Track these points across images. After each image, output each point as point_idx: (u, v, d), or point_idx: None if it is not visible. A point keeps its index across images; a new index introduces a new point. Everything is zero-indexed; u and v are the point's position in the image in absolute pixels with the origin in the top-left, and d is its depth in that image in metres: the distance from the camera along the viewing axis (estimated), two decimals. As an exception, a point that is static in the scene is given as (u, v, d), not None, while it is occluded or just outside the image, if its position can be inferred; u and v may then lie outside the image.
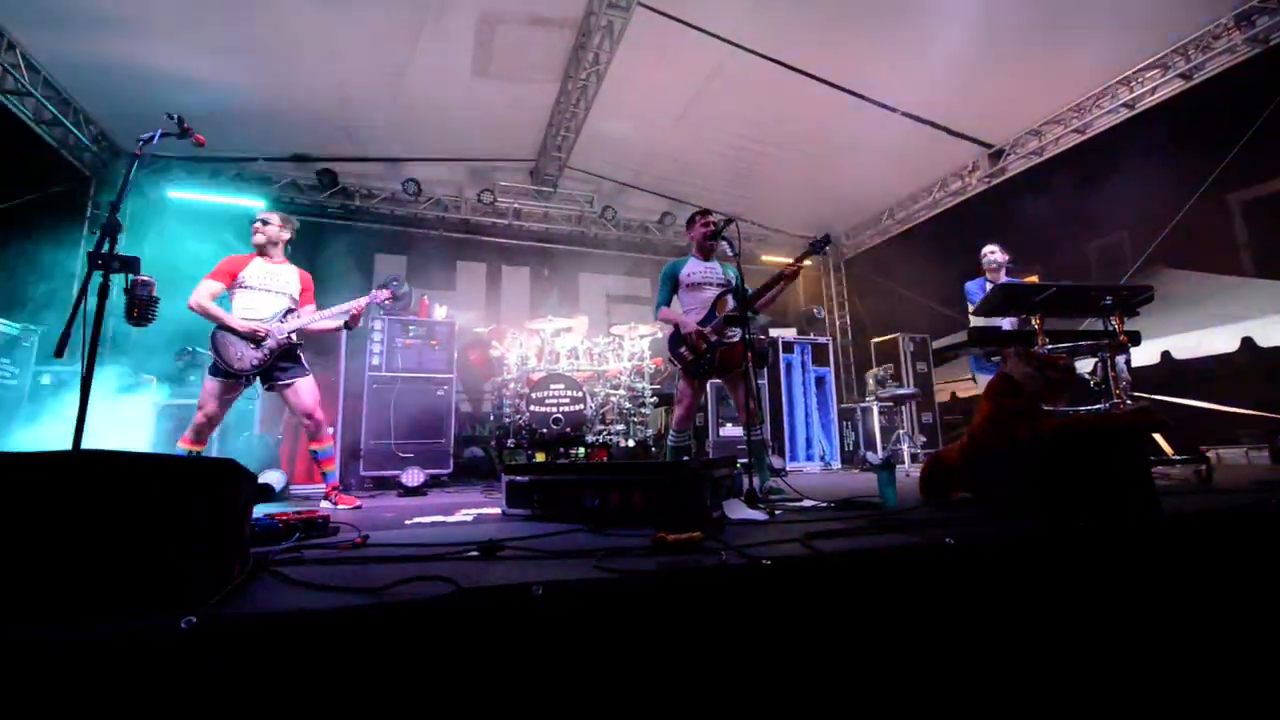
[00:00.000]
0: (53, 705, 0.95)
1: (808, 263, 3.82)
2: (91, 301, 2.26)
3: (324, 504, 3.60)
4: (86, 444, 2.30)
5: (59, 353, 2.22)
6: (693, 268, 3.84)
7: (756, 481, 2.99)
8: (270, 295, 3.66)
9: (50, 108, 5.62)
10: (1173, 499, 2.39)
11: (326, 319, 3.76)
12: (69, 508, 1.10)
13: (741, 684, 1.36)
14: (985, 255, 4.97)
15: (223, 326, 3.48)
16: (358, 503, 3.79)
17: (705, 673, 1.34)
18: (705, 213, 3.93)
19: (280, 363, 3.62)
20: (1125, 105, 6.16)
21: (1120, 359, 3.70)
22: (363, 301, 3.83)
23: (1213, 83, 5.66)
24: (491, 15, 5.33)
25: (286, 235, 3.82)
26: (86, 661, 0.98)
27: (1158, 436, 4.10)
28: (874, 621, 1.54)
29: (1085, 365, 4.44)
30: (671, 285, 3.86)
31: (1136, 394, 4.23)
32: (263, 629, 1.09)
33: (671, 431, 3.85)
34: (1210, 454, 4.13)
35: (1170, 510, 2.09)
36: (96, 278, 2.32)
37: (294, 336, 3.66)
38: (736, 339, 3.70)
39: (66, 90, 5.71)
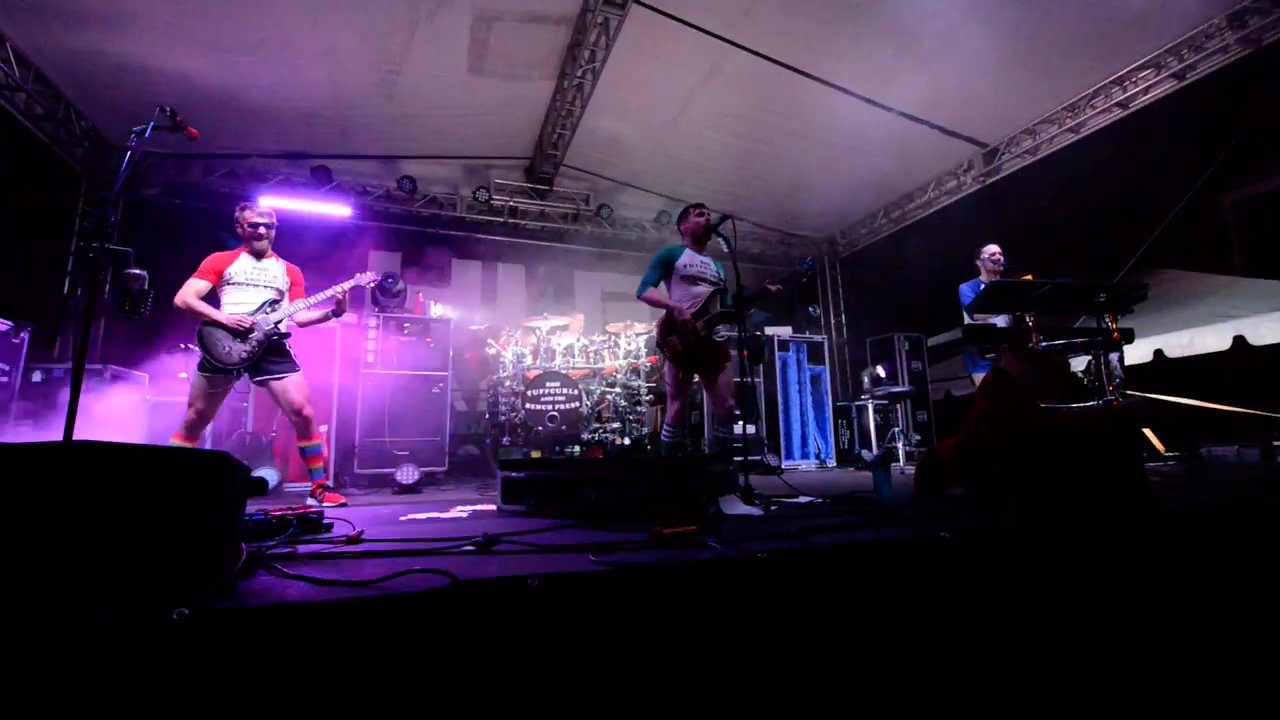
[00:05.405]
0: (44, 696, 0.94)
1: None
2: (84, 296, 2.24)
3: (310, 501, 3.59)
4: (78, 439, 2.28)
5: (49, 345, 2.21)
6: (690, 259, 3.77)
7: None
8: (257, 290, 3.65)
9: (41, 103, 5.57)
10: (1165, 494, 2.41)
11: (312, 308, 3.74)
12: (61, 498, 1.09)
13: (737, 675, 1.36)
14: (986, 255, 4.95)
15: (209, 322, 3.46)
16: (342, 500, 3.78)
17: (701, 664, 1.34)
18: (699, 206, 3.92)
19: (269, 356, 3.60)
20: (1119, 105, 6.19)
21: (1113, 356, 3.71)
22: (347, 285, 3.79)
23: (1205, 82, 5.69)
24: (487, 12, 5.30)
25: (273, 233, 3.80)
26: (78, 652, 0.97)
27: (1149, 433, 4.13)
28: (869, 614, 1.54)
29: (1079, 363, 4.46)
30: (663, 270, 3.77)
31: (1129, 391, 4.26)
32: (256, 621, 1.09)
33: (666, 427, 3.80)
34: (1203, 451, 4.16)
35: (1166, 505, 2.11)
36: (88, 272, 2.31)
37: (281, 327, 3.64)
38: (724, 339, 3.69)
39: (58, 86, 5.66)
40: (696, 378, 3.80)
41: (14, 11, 4.87)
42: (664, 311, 3.68)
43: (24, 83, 5.32)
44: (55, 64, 5.45)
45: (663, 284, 3.80)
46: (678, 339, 3.60)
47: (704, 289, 3.71)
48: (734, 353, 3.77)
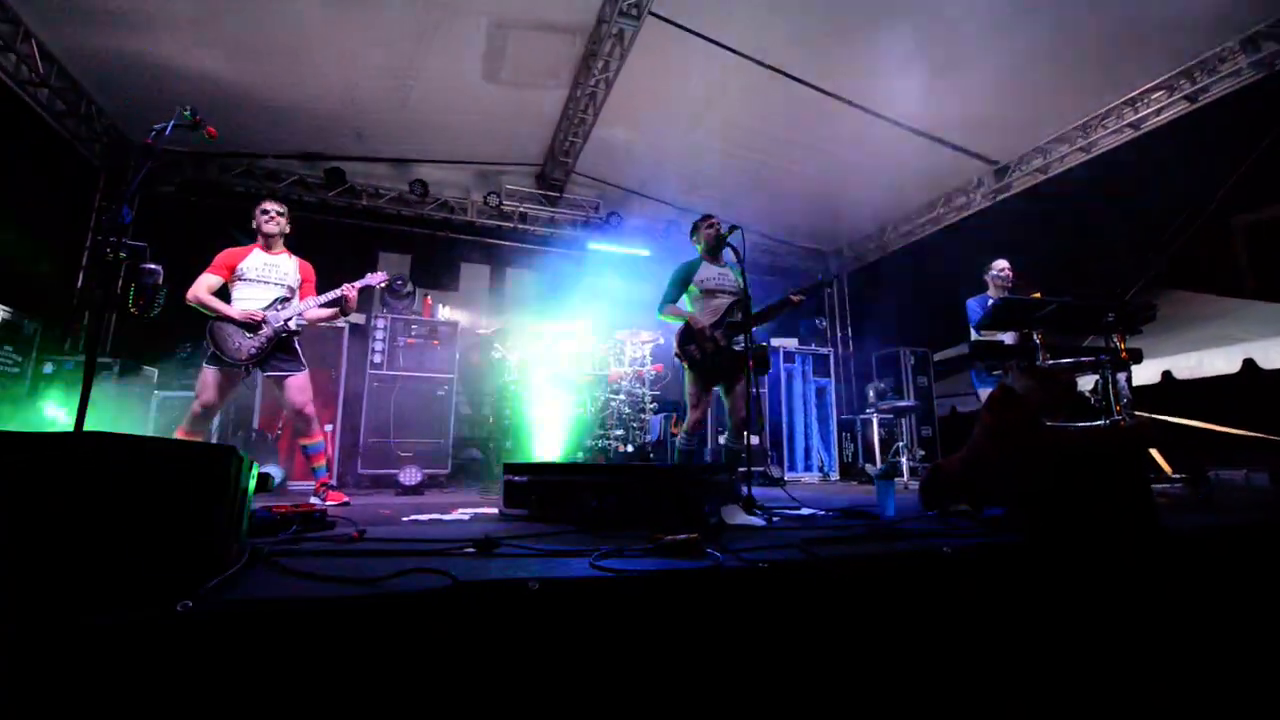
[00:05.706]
0: (47, 688, 0.95)
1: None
2: (97, 289, 2.27)
3: (313, 499, 3.60)
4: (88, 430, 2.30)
5: (63, 340, 2.23)
6: (707, 273, 3.81)
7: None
8: (268, 286, 3.68)
9: (63, 99, 5.66)
10: (1171, 516, 2.39)
11: (321, 306, 3.77)
12: (71, 487, 1.10)
13: (735, 683, 1.35)
14: (995, 270, 4.94)
15: (220, 317, 3.49)
16: (345, 498, 3.80)
17: (699, 672, 1.33)
18: (709, 217, 3.95)
19: (278, 353, 3.63)
20: (1130, 126, 6.18)
21: (1121, 376, 3.70)
22: (357, 284, 3.80)
23: (1218, 106, 5.68)
24: (503, 21, 5.36)
25: (288, 229, 3.84)
26: (82, 644, 0.98)
27: (1156, 454, 4.10)
28: (869, 627, 1.54)
29: (1087, 383, 4.44)
30: (682, 286, 3.82)
31: (1137, 412, 4.23)
32: (258, 615, 1.09)
33: (683, 434, 3.81)
34: (1211, 474, 4.11)
35: (1169, 526, 2.09)
36: (104, 266, 2.33)
37: (291, 324, 3.67)
38: (740, 348, 3.70)
39: (80, 82, 5.75)
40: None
41: (40, 9, 4.96)
42: (683, 322, 3.72)
43: (47, 78, 5.40)
44: (78, 61, 5.53)
45: (683, 299, 3.85)
46: (696, 348, 3.63)
47: (724, 300, 3.73)
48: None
